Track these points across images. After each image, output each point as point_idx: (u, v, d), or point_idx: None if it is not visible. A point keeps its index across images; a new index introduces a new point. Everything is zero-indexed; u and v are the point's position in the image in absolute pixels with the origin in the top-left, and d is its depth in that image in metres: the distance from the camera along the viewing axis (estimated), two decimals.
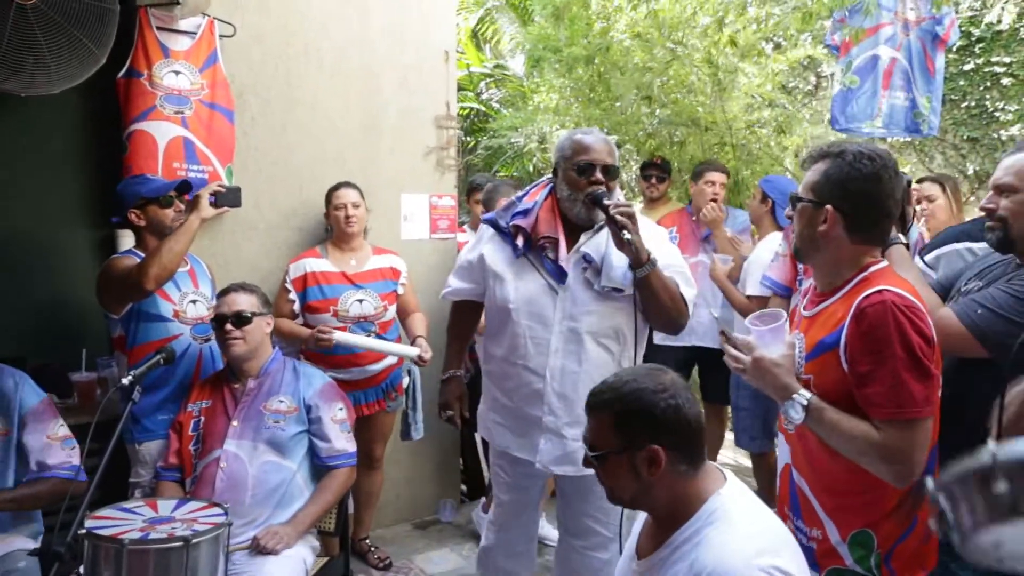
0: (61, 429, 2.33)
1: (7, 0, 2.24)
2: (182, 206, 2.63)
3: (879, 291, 1.52)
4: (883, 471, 1.50)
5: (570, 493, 2.36)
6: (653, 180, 4.33)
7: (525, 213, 2.24)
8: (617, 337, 2.20)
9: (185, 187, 2.68)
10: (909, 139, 4.63)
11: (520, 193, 2.37)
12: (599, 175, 2.13)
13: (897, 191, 1.61)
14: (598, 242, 2.17)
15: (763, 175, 4.78)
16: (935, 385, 1.53)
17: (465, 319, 2.56)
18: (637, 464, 1.38)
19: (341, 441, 2.54)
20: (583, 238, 2.21)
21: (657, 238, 2.25)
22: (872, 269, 1.60)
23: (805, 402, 1.56)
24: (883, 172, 1.57)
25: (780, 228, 3.53)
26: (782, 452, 1.78)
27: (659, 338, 4.06)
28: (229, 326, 2.47)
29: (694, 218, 4.04)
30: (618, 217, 2.00)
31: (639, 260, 2.04)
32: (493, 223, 2.32)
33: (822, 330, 1.61)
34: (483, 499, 3.78)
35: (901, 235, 1.92)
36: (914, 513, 1.59)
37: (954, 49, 6.08)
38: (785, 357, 1.62)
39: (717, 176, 3.98)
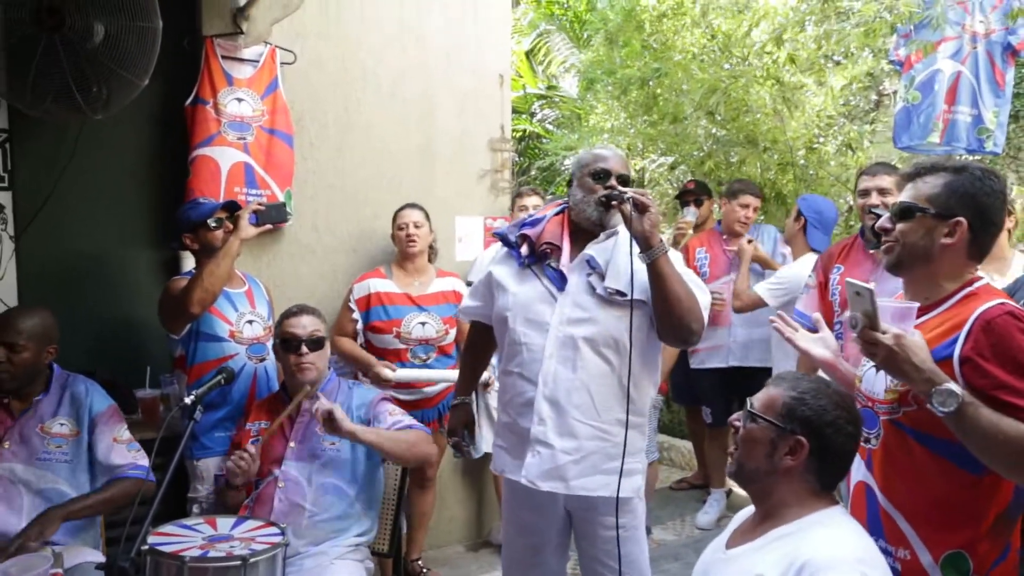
0: (125, 433, 2.45)
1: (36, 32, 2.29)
2: (232, 226, 2.66)
3: (999, 304, 1.51)
4: None
5: (579, 535, 2.23)
6: (692, 207, 4.20)
7: (533, 224, 2.23)
8: (616, 347, 2.08)
9: (233, 207, 2.73)
10: (979, 157, 4.42)
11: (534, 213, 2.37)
12: (614, 181, 2.13)
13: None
14: (604, 247, 2.12)
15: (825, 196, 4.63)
16: None
17: (478, 342, 2.48)
18: (778, 444, 1.46)
19: (407, 420, 2.48)
20: (589, 245, 2.16)
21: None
22: (977, 285, 1.59)
23: (959, 392, 1.41)
24: (1003, 192, 1.60)
25: (812, 249, 3.44)
26: (856, 469, 1.68)
27: (695, 362, 4.00)
28: (305, 349, 2.45)
29: (724, 237, 3.99)
30: (635, 197, 1.98)
31: (649, 242, 1.98)
32: (502, 237, 2.30)
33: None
34: None
35: None
36: (1007, 536, 1.56)
37: None
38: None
39: (752, 200, 3.95)
